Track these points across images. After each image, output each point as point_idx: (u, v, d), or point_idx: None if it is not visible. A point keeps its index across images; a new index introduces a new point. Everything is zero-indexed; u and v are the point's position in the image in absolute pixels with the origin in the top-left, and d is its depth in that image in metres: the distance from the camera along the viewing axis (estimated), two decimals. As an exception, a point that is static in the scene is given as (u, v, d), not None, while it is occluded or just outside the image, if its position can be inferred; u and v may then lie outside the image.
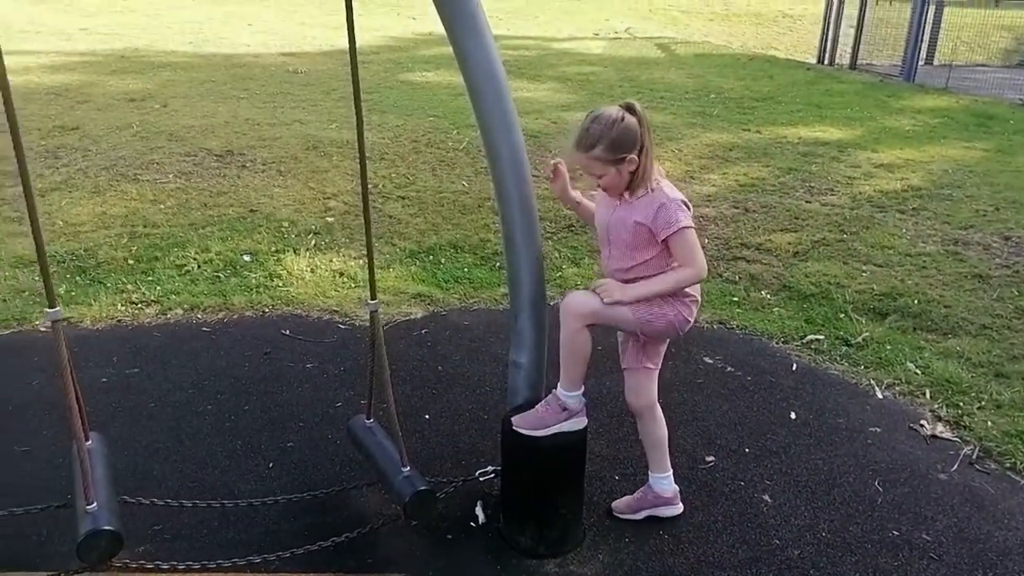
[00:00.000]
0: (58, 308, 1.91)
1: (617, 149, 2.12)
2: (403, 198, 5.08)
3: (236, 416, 2.95)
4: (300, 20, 11.40)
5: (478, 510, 2.46)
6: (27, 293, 3.80)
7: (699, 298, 2.30)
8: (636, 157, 2.13)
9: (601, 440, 2.85)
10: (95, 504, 1.90)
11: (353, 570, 2.20)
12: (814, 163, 6.09)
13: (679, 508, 2.49)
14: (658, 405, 2.43)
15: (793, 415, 3.10)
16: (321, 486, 2.53)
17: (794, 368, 3.47)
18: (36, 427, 2.81)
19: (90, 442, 2.13)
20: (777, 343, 3.70)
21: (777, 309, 4.01)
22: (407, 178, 5.47)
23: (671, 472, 2.47)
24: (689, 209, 2.21)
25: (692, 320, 2.27)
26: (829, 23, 11.98)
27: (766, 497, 2.60)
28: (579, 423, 2.25)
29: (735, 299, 4.09)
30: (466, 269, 4.37)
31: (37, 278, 3.94)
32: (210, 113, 6.41)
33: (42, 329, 3.53)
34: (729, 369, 3.44)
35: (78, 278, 3.97)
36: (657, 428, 2.43)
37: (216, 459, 2.68)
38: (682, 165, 5.93)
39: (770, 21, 15.96)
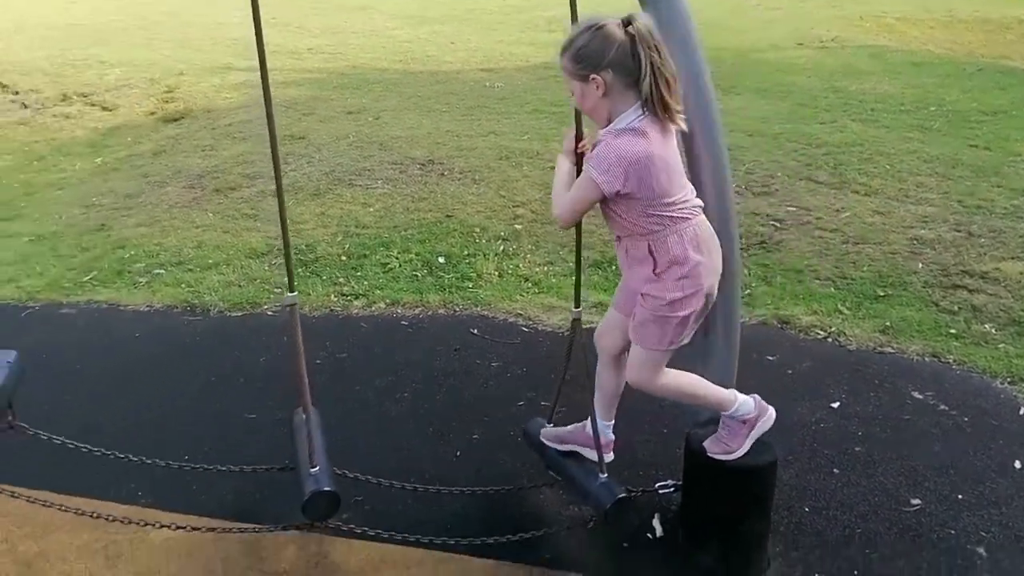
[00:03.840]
0: (296, 293, 2.15)
1: (580, 61, 1.84)
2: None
3: (429, 405, 3.14)
4: (499, 38, 11.91)
5: (655, 523, 2.44)
6: (258, 281, 4.30)
7: (694, 274, 1.98)
8: (601, 77, 1.83)
9: (791, 469, 2.71)
10: (318, 467, 2.12)
11: (532, 563, 2.27)
12: (1056, 184, 5.36)
13: (610, 456, 2.35)
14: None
15: (1018, 464, 2.75)
16: (502, 480, 2.64)
17: (1022, 412, 3.08)
18: (262, 397, 3.18)
19: (311, 412, 2.38)
20: (1002, 383, 3.30)
21: (1003, 345, 3.58)
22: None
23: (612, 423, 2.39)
24: (627, 167, 1.85)
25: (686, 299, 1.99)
26: (1081, 26, 10.46)
27: (980, 550, 2.34)
28: (768, 421, 2.16)
29: (952, 331, 3.70)
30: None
31: (267, 268, 4.46)
32: (415, 125, 6.90)
33: (269, 313, 3.99)
34: (943, 407, 3.12)
35: (299, 270, 4.42)
36: (616, 377, 2.30)
37: (410, 443, 2.87)
38: (895, 182, 5.46)
39: (1001, 28, 14.22)
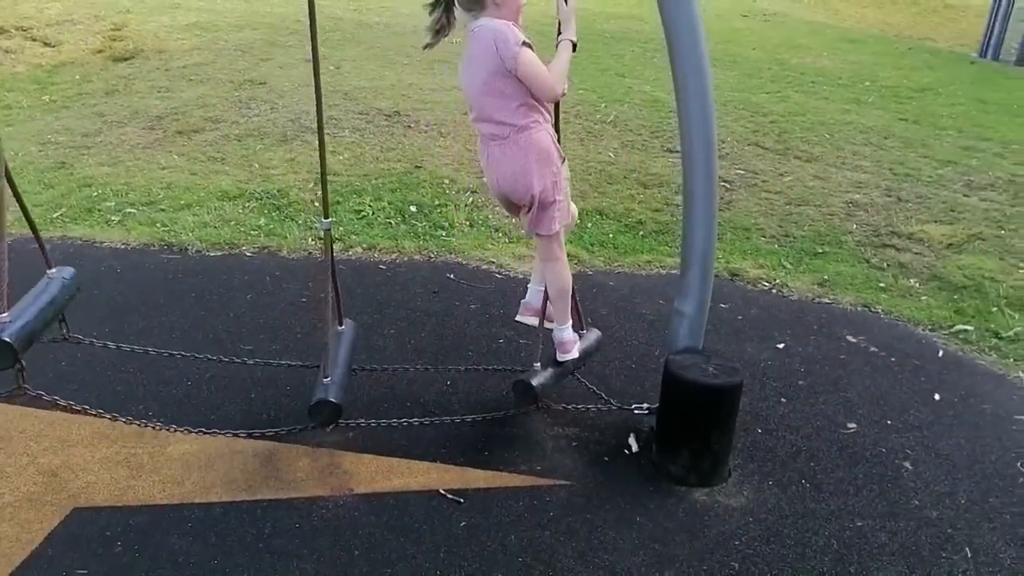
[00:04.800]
0: (331, 219, 2.31)
1: None
2: (553, 165, 5.38)
3: (415, 342, 3.34)
4: (452, -8, 11.89)
5: (631, 440, 2.73)
6: (233, 223, 4.37)
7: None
8: None
9: (745, 398, 3.02)
10: (329, 379, 2.31)
11: (525, 472, 2.54)
12: (975, 157, 5.89)
13: (575, 354, 2.74)
14: (561, 261, 2.64)
15: (937, 396, 3.17)
16: (491, 407, 2.88)
17: (940, 355, 3.51)
18: (255, 331, 3.31)
19: (343, 327, 2.56)
20: (923, 330, 3.73)
21: (925, 298, 4.02)
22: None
23: (569, 323, 2.73)
24: None
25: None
26: (996, 16, 11.20)
27: (907, 464, 2.73)
28: (592, 337, 2.77)
29: (882, 285, 4.13)
30: (610, 235, 4.61)
31: (241, 211, 4.52)
32: (377, 76, 6.93)
33: (248, 254, 4.08)
34: (873, 349, 3.52)
35: (273, 214, 4.51)
36: (556, 280, 2.65)
37: (403, 374, 3.08)
38: (834, 150, 5.89)
39: (929, 11, 15.01)
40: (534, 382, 2.63)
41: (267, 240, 4.21)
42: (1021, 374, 3.37)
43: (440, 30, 2.39)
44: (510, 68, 2.27)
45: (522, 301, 2.96)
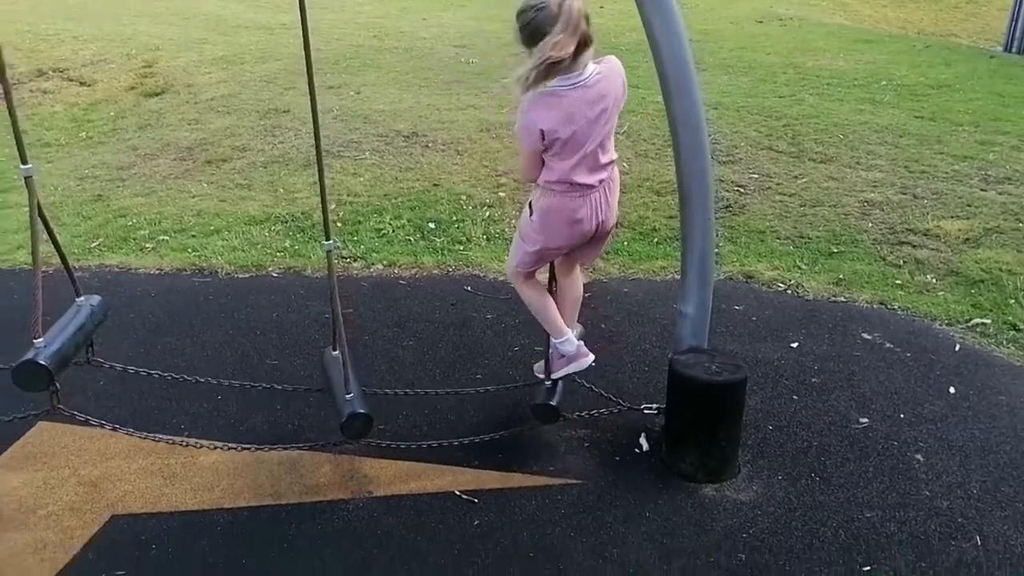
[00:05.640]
0: (334, 241, 2.44)
1: (524, 32, 2.21)
2: (569, 177, 5.49)
3: (433, 352, 3.46)
4: (468, 15, 12.10)
5: (642, 439, 2.81)
6: (260, 246, 4.55)
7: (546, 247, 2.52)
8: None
9: (756, 397, 3.09)
10: (352, 394, 2.43)
11: (538, 473, 2.62)
12: (992, 151, 5.84)
13: (590, 358, 2.71)
14: (526, 292, 2.70)
15: (952, 389, 3.18)
16: (506, 411, 2.96)
17: (957, 348, 3.51)
18: (280, 347, 3.46)
19: (336, 351, 2.69)
20: (940, 325, 3.74)
21: (943, 293, 4.02)
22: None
23: (568, 334, 2.70)
24: (540, 132, 2.28)
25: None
26: (1020, 8, 11.04)
27: (918, 456, 2.75)
28: (585, 362, 2.66)
29: (898, 282, 4.14)
30: (625, 243, 4.68)
31: (268, 234, 4.70)
32: (397, 99, 7.12)
33: (274, 275, 4.25)
34: (888, 345, 3.54)
35: (298, 236, 4.68)
36: (528, 305, 2.71)
37: (421, 383, 3.19)
38: (848, 151, 5.89)
39: (951, 7, 14.85)
40: (554, 402, 2.68)
41: (292, 261, 4.38)
42: (1039, 365, 3.36)
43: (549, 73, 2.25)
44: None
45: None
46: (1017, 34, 11.11)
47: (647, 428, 2.86)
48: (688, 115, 2.45)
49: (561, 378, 2.74)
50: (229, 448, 2.47)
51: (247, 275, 4.24)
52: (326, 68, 8.31)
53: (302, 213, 4.93)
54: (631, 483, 2.59)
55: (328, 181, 5.36)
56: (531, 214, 2.49)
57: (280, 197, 5.20)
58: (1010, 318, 3.74)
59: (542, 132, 2.28)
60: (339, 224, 4.80)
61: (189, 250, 4.48)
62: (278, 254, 4.46)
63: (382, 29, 10.65)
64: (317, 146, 2.37)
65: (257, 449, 2.50)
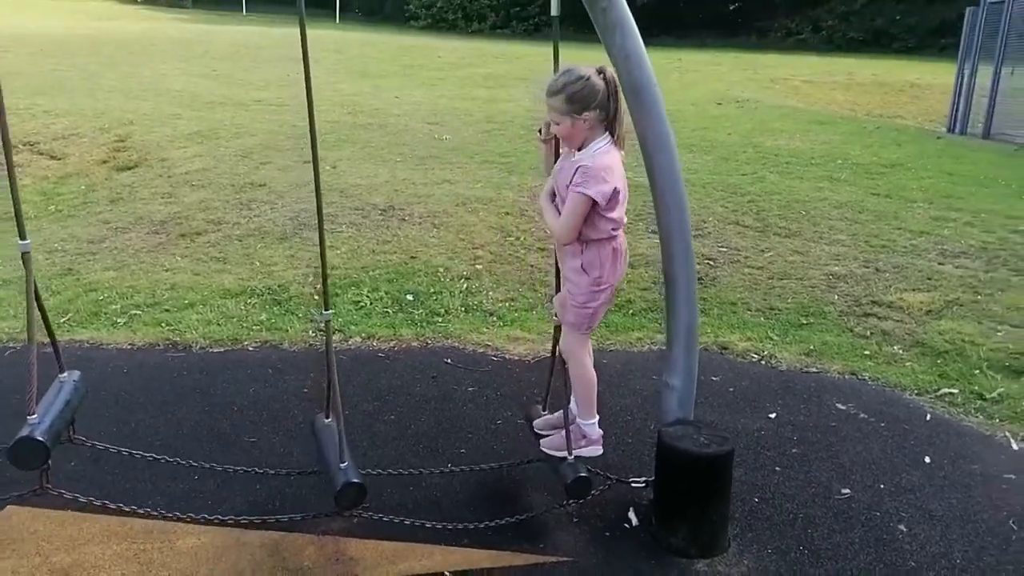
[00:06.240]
0: (331, 311, 2.45)
1: (575, 103, 2.40)
2: (542, 250, 5.58)
3: (415, 426, 3.43)
4: (440, 93, 12.49)
5: (631, 514, 2.79)
6: (236, 320, 4.50)
7: (610, 284, 2.67)
8: (590, 115, 2.41)
9: (740, 469, 3.11)
10: (347, 463, 2.39)
11: (528, 551, 2.58)
12: (947, 227, 6.14)
13: (600, 450, 2.81)
14: (586, 361, 2.74)
15: (927, 459, 3.25)
16: (491, 486, 2.94)
17: (928, 418, 3.60)
18: (259, 423, 3.40)
19: (329, 419, 2.65)
20: (910, 395, 3.84)
21: (910, 364, 4.14)
22: (546, 233, 5.98)
23: (596, 419, 2.79)
24: (613, 190, 2.43)
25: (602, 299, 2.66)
26: (960, 92, 11.82)
27: (901, 527, 2.78)
28: (599, 449, 2.75)
29: (867, 352, 4.26)
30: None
31: (243, 307, 4.66)
32: (372, 174, 7.24)
33: (250, 349, 4.20)
34: (862, 416, 3.61)
35: (275, 309, 4.66)
36: (579, 377, 2.74)
37: (404, 457, 3.14)
38: (811, 226, 6.14)
39: (896, 91, 15.81)
40: (585, 473, 2.67)
41: (269, 334, 4.34)
42: (1007, 434, 3.46)
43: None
44: None
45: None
46: (959, 116, 11.86)
47: (635, 502, 2.85)
48: (672, 195, 2.55)
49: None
50: (207, 525, 2.38)
51: (222, 349, 4.18)
52: (301, 143, 8.45)
53: (279, 286, 4.91)
54: (623, 560, 2.56)
55: (305, 254, 5.43)
56: (584, 272, 2.59)
57: (256, 270, 5.18)
58: (976, 387, 3.85)
59: (616, 191, 2.45)
60: (316, 297, 4.79)
61: (163, 324, 4.41)
62: (254, 328, 4.41)
63: (356, 106, 10.91)
64: (319, 217, 2.41)
65: (235, 529, 2.41)
